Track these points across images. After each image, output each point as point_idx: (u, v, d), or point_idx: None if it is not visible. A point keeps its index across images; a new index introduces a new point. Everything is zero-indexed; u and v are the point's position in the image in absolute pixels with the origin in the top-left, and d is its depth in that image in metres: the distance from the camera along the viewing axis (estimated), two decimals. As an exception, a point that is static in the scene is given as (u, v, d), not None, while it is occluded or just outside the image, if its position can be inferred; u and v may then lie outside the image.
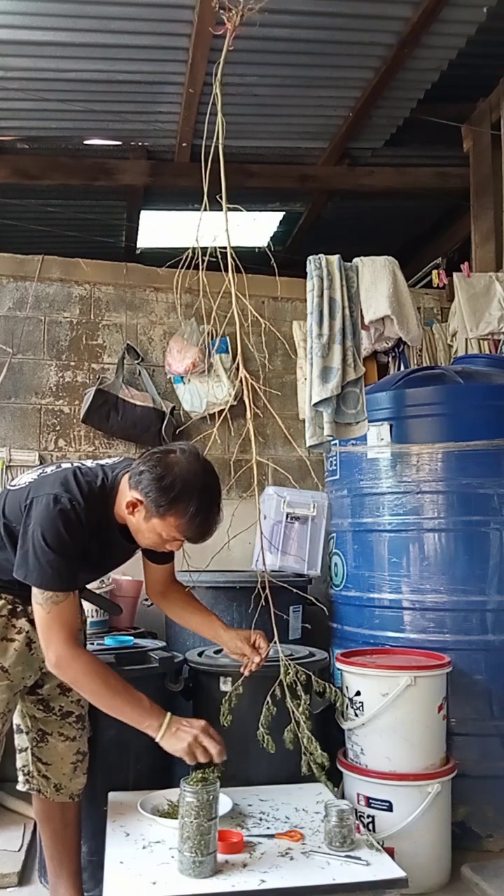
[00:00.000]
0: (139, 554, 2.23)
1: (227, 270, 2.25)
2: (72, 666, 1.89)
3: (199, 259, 2.26)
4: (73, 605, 1.93)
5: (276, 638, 2.23)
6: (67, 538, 1.87)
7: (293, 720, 2.08)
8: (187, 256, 2.27)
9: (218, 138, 2.27)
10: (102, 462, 2.11)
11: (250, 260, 2.45)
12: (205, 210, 2.27)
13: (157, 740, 1.90)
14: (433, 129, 4.37)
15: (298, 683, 2.14)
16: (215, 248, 2.27)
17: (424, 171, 4.82)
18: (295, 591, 2.72)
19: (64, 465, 2.05)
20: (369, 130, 4.38)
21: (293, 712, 2.09)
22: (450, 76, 3.87)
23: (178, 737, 1.89)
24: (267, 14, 2.34)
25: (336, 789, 2.20)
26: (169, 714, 1.93)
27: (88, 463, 2.09)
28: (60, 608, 1.88)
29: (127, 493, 1.95)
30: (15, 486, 2.07)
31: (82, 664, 1.90)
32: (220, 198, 2.27)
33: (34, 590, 1.89)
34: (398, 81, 3.83)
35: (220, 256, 2.26)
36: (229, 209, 2.26)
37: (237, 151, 4.44)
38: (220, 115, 2.25)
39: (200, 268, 2.26)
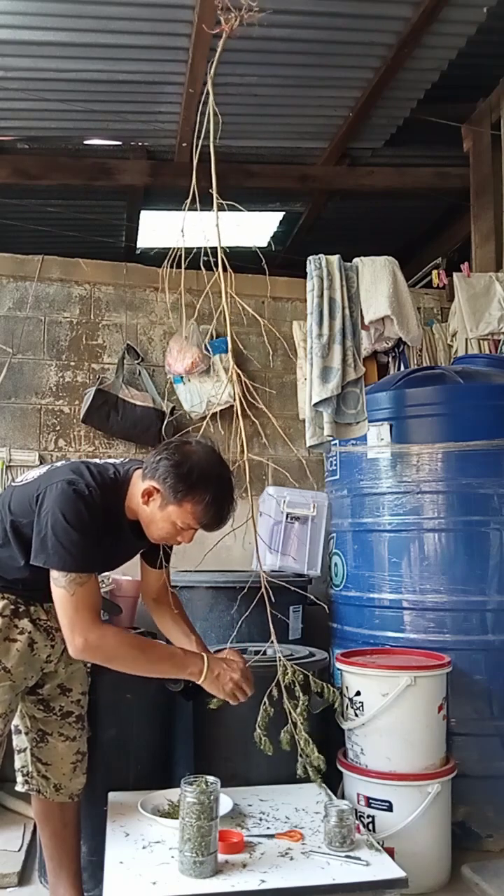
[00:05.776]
0: (138, 555, 2.25)
1: (222, 269, 2.24)
2: (103, 644, 1.89)
3: (183, 257, 2.26)
4: (96, 585, 1.93)
5: (272, 637, 2.22)
6: (87, 517, 1.88)
7: (290, 721, 2.08)
8: (176, 254, 2.26)
9: (209, 135, 2.27)
10: (110, 460, 2.14)
11: (251, 260, 2.45)
12: (193, 209, 2.26)
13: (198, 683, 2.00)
14: (433, 129, 4.36)
15: (296, 684, 2.13)
16: (211, 247, 2.26)
17: (424, 171, 4.82)
18: (304, 591, 2.71)
19: (73, 460, 2.09)
20: (369, 130, 4.38)
21: (290, 713, 2.08)
22: (450, 76, 3.87)
23: (218, 683, 2.01)
24: (267, 14, 2.34)
25: (324, 792, 2.20)
26: (206, 659, 2.00)
27: (96, 460, 2.12)
28: (85, 590, 1.87)
29: (141, 485, 1.97)
30: (21, 482, 2.08)
31: (112, 639, 1.91)
32: (212, 193, 2.26)
33: (54, 574, 1.87)
34: (398, 81, 3.82)
35: (211, 255, 2.26)
36: (219, 207, 2.25)
37: (237, 151, 4.44)
38: (211, 110, 2.24)
39: (183, 266, 2.26)
